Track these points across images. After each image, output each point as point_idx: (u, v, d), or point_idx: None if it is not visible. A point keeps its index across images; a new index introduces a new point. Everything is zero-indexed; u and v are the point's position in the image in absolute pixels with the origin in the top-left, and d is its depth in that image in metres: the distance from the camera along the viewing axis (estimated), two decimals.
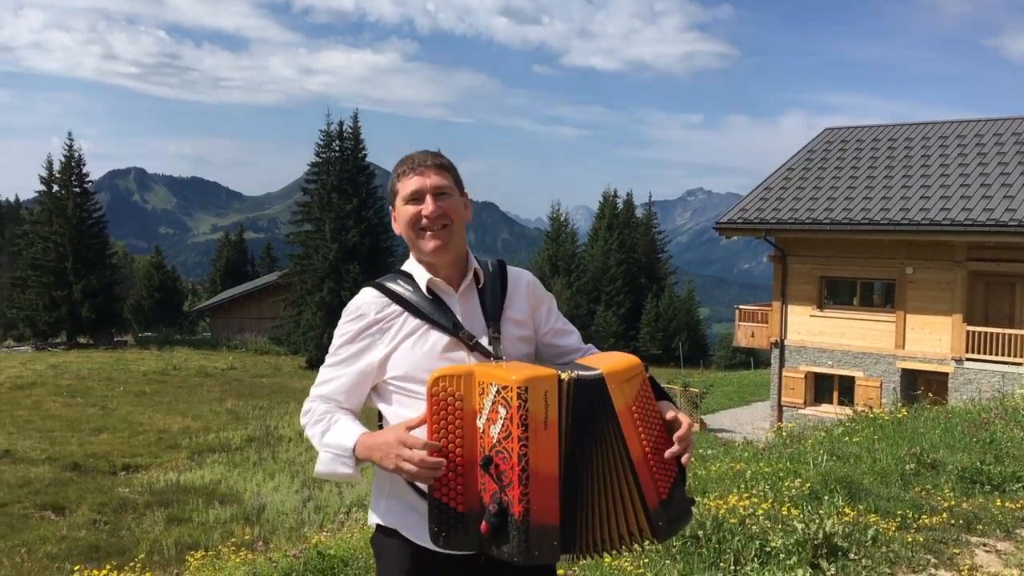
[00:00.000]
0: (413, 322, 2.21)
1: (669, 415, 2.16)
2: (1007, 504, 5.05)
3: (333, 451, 2.13)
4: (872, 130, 27.51)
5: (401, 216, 2.27)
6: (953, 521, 4.96)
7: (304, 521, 13.55)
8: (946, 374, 21.97)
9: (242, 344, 47.84)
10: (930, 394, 15.85)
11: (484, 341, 2.22)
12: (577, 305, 51.38)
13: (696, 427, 3.95)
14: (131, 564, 10.30)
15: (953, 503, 5.26)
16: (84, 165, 47.83)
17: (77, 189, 47.08)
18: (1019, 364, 20.75)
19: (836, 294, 24.60)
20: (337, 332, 2.30)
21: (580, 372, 2.02)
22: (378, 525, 2.29)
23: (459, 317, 2.23)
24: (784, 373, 24.71)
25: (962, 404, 12.47)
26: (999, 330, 21.43)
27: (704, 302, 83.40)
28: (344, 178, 46.64)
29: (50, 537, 13.03)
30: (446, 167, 2.30)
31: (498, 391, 1.93)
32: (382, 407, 2.27)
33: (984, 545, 4.55)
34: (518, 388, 1.90)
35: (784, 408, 24.55)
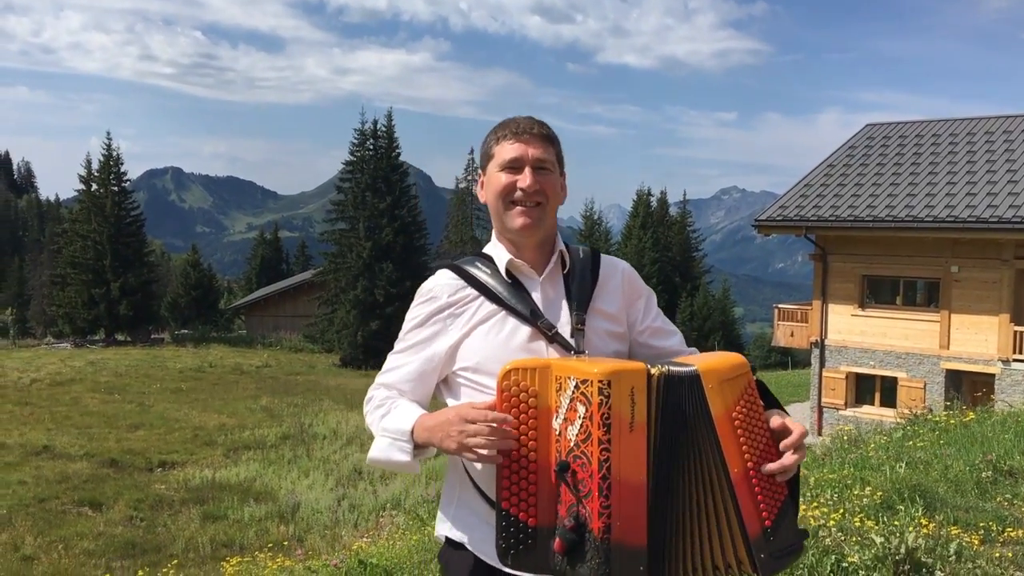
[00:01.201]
0: (488, 307, 2.00)
1: (775, 422, 1.85)
2: None
3: (390, 435, 1.93)
4: (915, 126, 26.91)
5: (492, 183, 2.04)
6: None
7: (339, 520, 13.44)
8: (992, 375, 21.40)
9: (277, 342, 48.01)
10: (977, 395, 15.39)
11: (566, 332, 1.98)
12: None
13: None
14: (167, 562, 10.22)
15: None
16: (122, 164, 48.25)
17: (115, 188, 47.49)
18: None
19: (878, 293, 24.08)
20: (407, 316, 2.10)
21: (672, 368, 1.76)
22: (446, 538, 2.07)
23: (540, 304, 2.00)
24: (824, 373, 24.24)
25: (1007, 406, 12.05)
26: (1020, 328, 20.84)
27: (738, 301, 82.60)
28: (378, 176, 46.68)
29: (87, 533, 13.02)
30: (551, 139, 2.06)
31: (577, 386, 1.68)
32: (449, 402, 2.06)
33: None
34: (600, 382, 1.65)
35: (824, 409, 24.08)
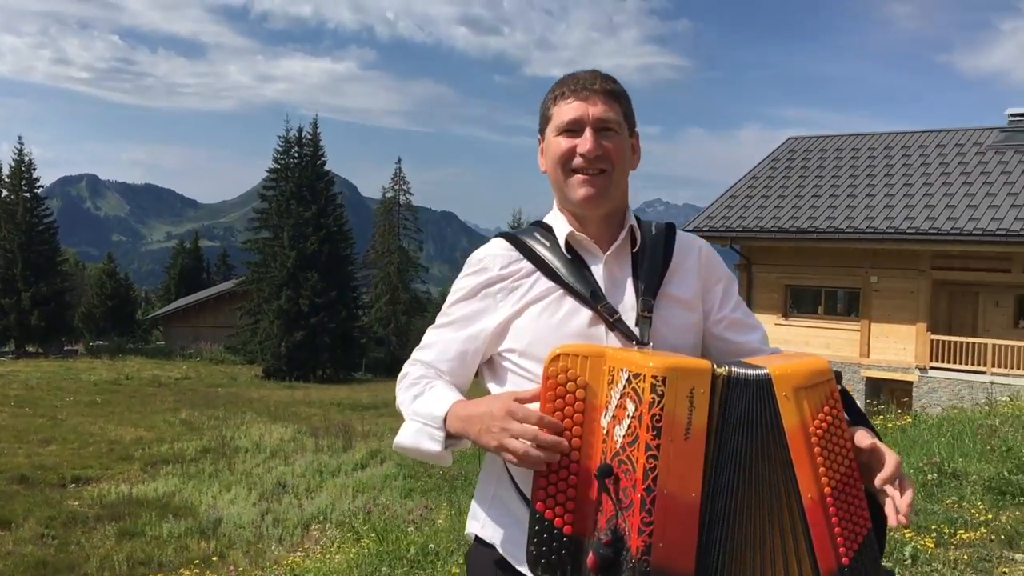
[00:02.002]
0: (545, 284, 1.75)
1: (863, 441, 1.55)
2: None
3: (421, 420, 1.68)
4: (835, 139, 27.59)
5: (550, 150, 1.79)
6: (993, 536, 4.66)
7: (263, 535, 13.03)
8: (910, 383, 21.99)
9: (197, 353, 46.86)
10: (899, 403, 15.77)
11: (630, 320, 1.72)
12: None
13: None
14: None
15: (990, 516, 4.97)
16: (34, 170, 46.83)
17: (27, 195, 46.00)
18: (982, 372, 20.83)
19: (801, 303, 24.57)
20: (453, 287, 1.86)
21: (736, 368, 1.50)
22: (476, 537, 1.83)
23: (602, 285, 1.75)
24: None
25: (938, 411, 12.33)
26: (962, 339, 21.51)
27: None
28: (303, 185, 46.08)
29: None
30: (617, 95, 1.78)
31: (628, 380, 1.45)
32: (492, 387, 1.83)
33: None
34: (653, 378, 1.42)
35: None
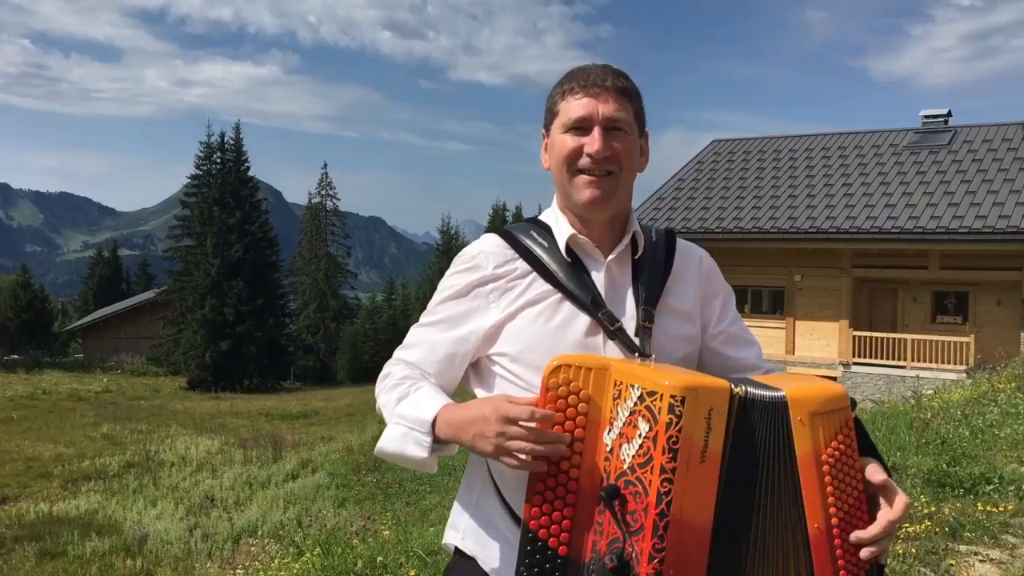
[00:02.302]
0: (542, 287, 1.66)
1: (875, 476, 1.48)
2: (988, 508, 4.87)
3: (406, 424, 1.57)
4: (758, 142, 28.14)
5: (555, 148, 1.69)
6: (937, 529, 4.73)
7: (191, 551, 12.65)
8: (835, 378, 22.47)
9: (118, 365, 45.40)
10: None
11: (629, 330, 1.64)
12: None
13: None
14: None
15: (932, 509, 5.04)
16: None
17: None
18: (903, 367, 21.43)
19: None
20: (442, 284, 1.76)
21: (753, 389, 1.42)
22: (456, 548, 1.73)
23: (602, 292, 1.66)
24: None
25: (863, 405, 12.57)
26: (883, 334, 22.12)
27: None
28: (226, 191, 45.12)
29: None
30: (629, 93, 1.68)
31: (641, 397, 1.37)
32: (478, 391, 1.73)
33: (976, 554, 4.33)
34: (672, 398, 1.33)
35: None
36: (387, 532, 7.74)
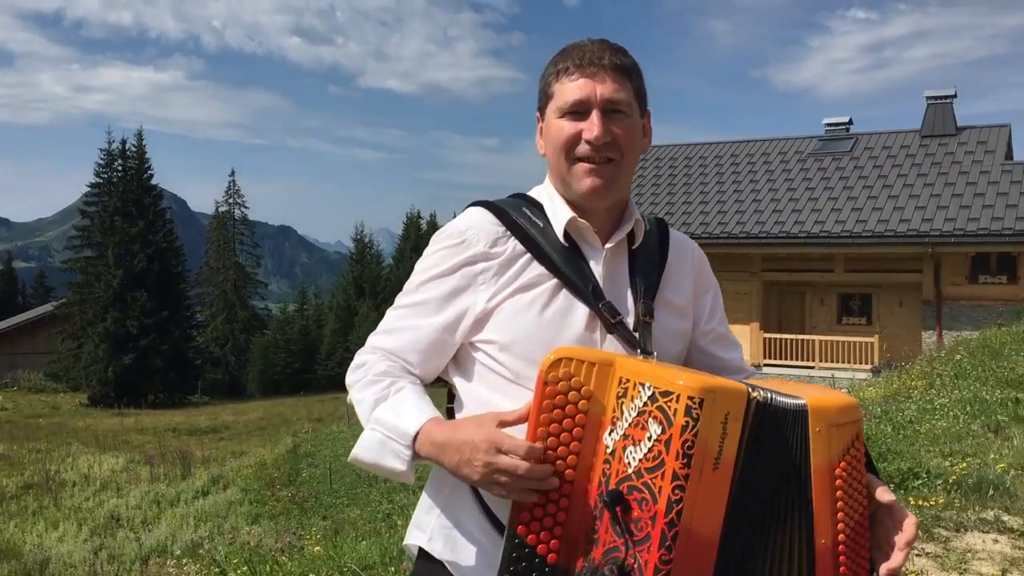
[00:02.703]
0: (536, 271, 1.51)
1: (884, 498, 1.41)
2: (919, 503, 4.90)
3: (384, 432, 1.42)
4: (669, 149, 28.57)
5: (551, 133, 1.55)
6: None
7: (96, 573, 12.09)
8: None
9: (14, 382, 43.39)
10: None
11: (628, 324, 1.52)
12: None
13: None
14: None
15: None
16: None
17: None
18: (811, 367, 21.99)
19: None
20: (423, 262, 1.58)
21: (774, 395, 1.32)
22: (420, 550, 1.56)
23: (600, 282, 1.53)
24: None
25: None
26: (792, 336, 22.69)
27: None
28: (128, 200, 43.74)
29: None
30: (629, 71, 1.54)
31: (653, 397, 1.25)
32: (459, 383, 1.57)
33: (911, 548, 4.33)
34: (690, 399, 1.22)
35: None
36: (317, 548, 7.49)
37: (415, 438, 1.39)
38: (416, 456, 1.39)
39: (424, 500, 1.59)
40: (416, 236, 59.11)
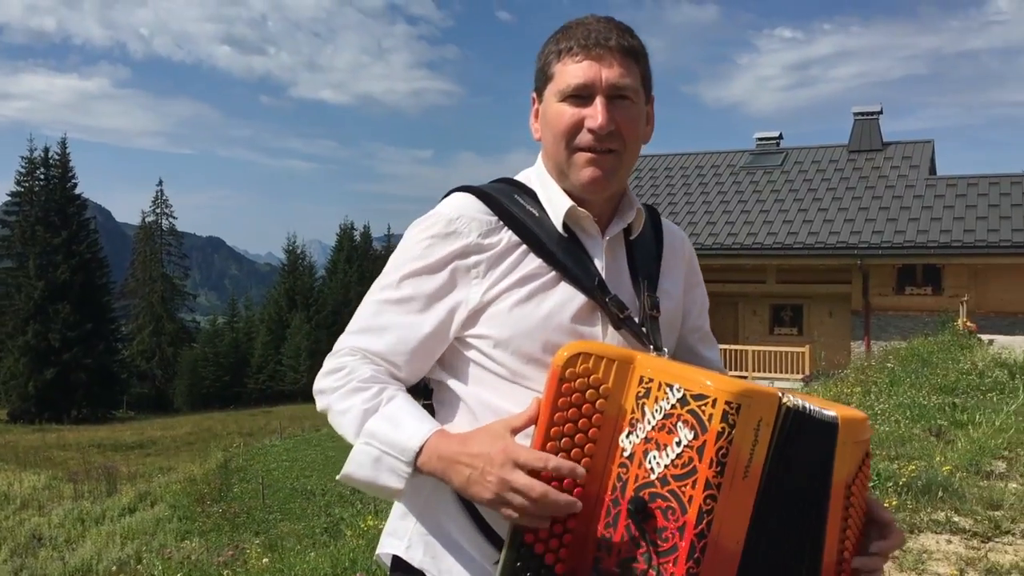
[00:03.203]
0: (533, 263, 1.38)
1: (884, 516, 1.37)
2: None
3: (381, 447, 1.28)
4: None
5: (550, 117, 1.41)
6: None
7: None
8: None
9: None
10: None
11: (635, 318, 1.41)
12: (317, 340, 49.78)
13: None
14: None
15: None
16: None
17: None
18: (745, 377, 22.22)
19: None
20: (405, 254, 1.42)
21: (808, 406, 1.24)
22: (396, 560, 1.43)
23: (603, 274, 1.41)
24: None
25: None
26: (725, 346, 22.93)
27: None
28: (51, 209, 42.57)
29: None
30: (636, 54, 1.41)
31: (683, 400, 1.16)
32: (446, 381, 1.43)
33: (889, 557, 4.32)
34: (727, 404, 1.12)
35: None
36: (265, 559, 7.24)
37: (419, 453, 1.26)
38: (417, 472, 1.27)
39: (399, 505, 1.45)
40: (349, 248, 58.62)
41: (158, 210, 62.12)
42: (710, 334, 1.66)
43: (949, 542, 4.08)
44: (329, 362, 1.41)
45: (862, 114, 25.78)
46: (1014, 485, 5.08)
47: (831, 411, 1.27)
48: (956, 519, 4.36)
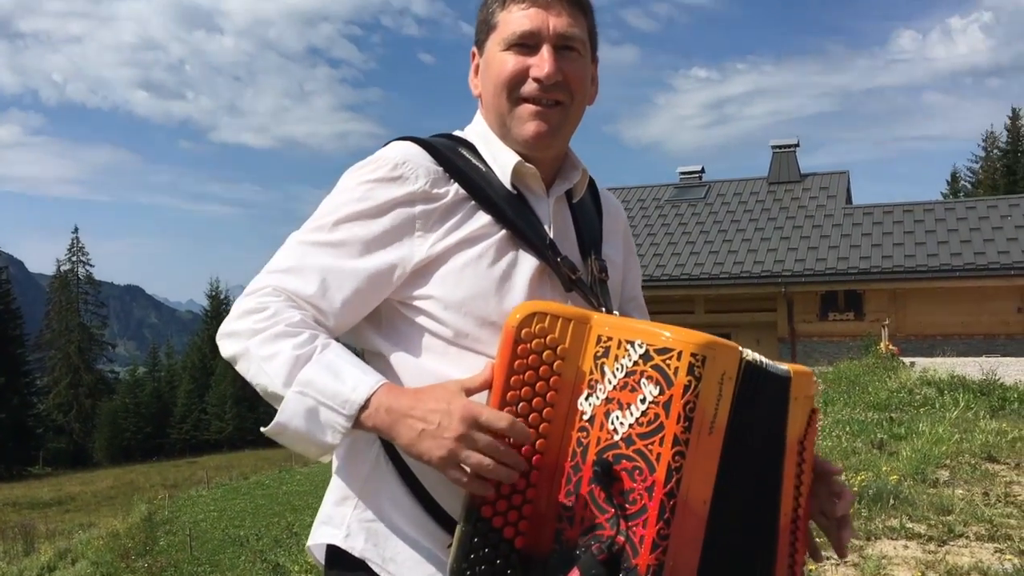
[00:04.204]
0: (482, 220, 1.29)
1: (833, 468, 1.36)
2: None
3: (318, 397, 1.15)
4: None
5: (493, 68, 1.33)
6: None
7: None
8: None
9: None
10: None
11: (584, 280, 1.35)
12: (243, 386, 48.63)
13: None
14: None
15: None
16: None
17: None
18: None
19: None
20: (341, 196, 1.29)
21: (762, 357, 1.20)
22: (332, 550, 1.31)
23: (551, 234, 1.34)
24: None
25: None
26: None
27: None
28: None
29: None
30: (584, 6, 1.35)
31: (646, 355, 1.09)
32: (380, 345, 1.31)
33: (830, 558, 4.28)
34: (693, 356, 1.07)
35: None
36: None
37: (364, 406, 1.14)
38: (358, 426, 1.15)
39: (335, 489, 1.33)
40: None
41: (74, 258, 60.30)
42: (644, 305, 1.61)
43: (906, 547, 4.10)
44: (244, 302, 1.26)
45: (780, 147, 26.54)
46: (960, 491, 5.18)
47: (783, 365, 1.24)
48: (910, 525, 4.40)
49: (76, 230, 61.45)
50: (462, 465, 1.08)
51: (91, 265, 61.50)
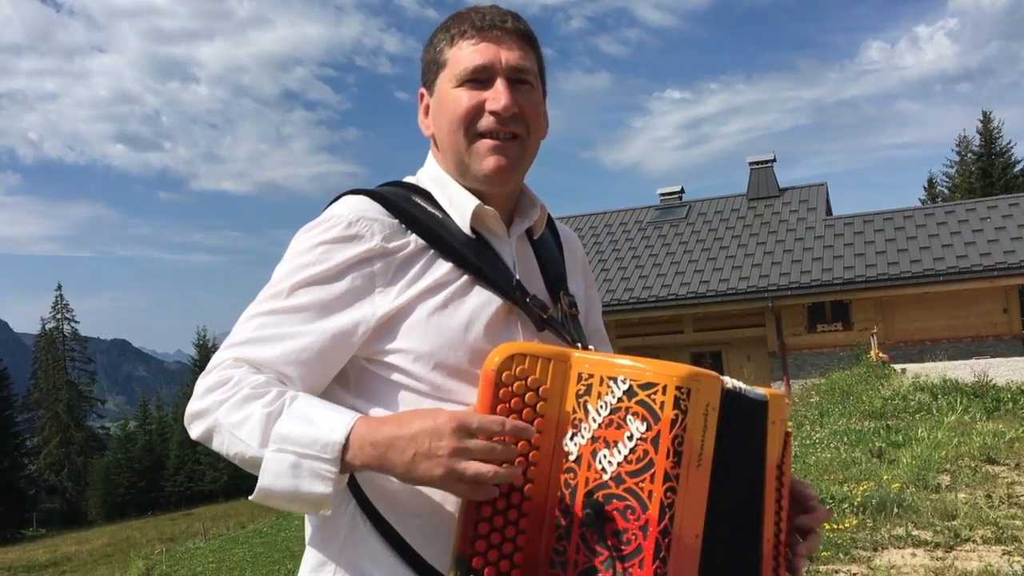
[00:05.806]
0: (443, 268, 1.27)
1: (809, 491, 1.37)
2: (834, 527, 4.85)
3: (297, 449, 1.11)
4: None
5: (446, 105, 1.32)
6: None
7: None
8: None
9: None
10: None
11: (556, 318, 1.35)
12: None
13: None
14: None
15: None
16: None
17: None
18: None
19: None
20: (296, 260, 1.27)
21: (740, 384, 1.21)
22: None
23: (516, 275, 1.34)
24: None
25: None
26: None
27: None
28: None
29: None
30: (532, 40, 1.36)
31: (630, 391, 1.08)
32: (360, 408, 1.25)
33: (837, 572, 4.25)
34: (678, 390, 1.06)
35: None
36: None
37: (345, 446, 1.10)
38: (347, 468, 1.12)
39: (312, 556, 1.28)
40: None
41: (58, 316, 59.84)
42: (607, 337, 1.61)
43: (914, 555, 4.09)
44: (206, 380, 1.22)
45: (757, 163, 26.74)
46: (963, 495, 5.17)
47: (760, 391, 1.25)
48: (916, 532, 4.39)
49: (59, 287, 61.03)
50: (472, 478, 1.05)
51: (76, 321, 61.05)
